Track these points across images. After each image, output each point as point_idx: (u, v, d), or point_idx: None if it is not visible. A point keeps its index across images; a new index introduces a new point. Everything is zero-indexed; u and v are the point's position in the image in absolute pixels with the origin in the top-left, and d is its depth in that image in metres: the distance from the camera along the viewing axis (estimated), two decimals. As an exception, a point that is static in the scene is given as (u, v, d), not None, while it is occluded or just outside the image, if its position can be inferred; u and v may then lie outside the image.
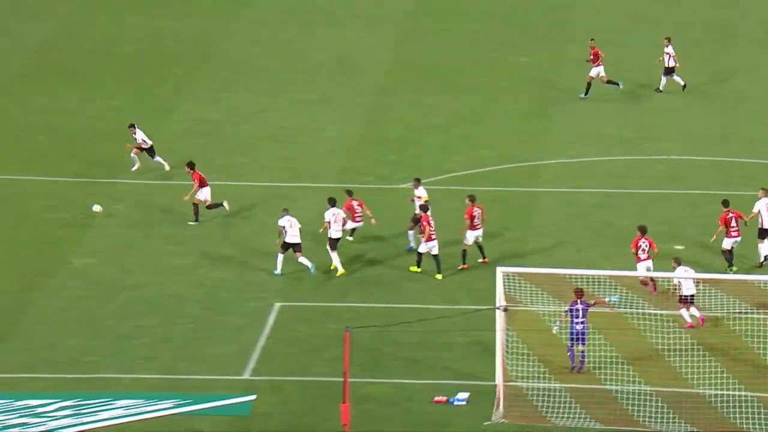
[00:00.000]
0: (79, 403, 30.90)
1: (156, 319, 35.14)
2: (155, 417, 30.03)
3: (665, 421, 29.64)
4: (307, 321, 34.92)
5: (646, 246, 37.03)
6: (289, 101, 53.50)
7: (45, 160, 46.95)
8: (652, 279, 36.19)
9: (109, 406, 30.73)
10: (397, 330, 33.58)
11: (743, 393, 30.60)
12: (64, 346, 33.67)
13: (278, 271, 38.68)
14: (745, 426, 29.73)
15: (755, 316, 33.82)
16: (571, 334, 32.20)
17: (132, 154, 45.08)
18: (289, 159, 47.47)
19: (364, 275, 37.83)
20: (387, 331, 33.59)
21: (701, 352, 32.37)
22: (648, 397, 30.41)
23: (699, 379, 31.22)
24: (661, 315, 34.16)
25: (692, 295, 35.30)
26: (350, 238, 40.37)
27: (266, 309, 35.41)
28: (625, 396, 30.69)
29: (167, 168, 43.88)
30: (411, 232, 39.51)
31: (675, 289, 35.02)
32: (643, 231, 37.43)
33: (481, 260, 38.76)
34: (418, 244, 38.33)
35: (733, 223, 39.58)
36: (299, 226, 38.62)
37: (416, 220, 39.48)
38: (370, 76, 56.45)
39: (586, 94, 53.50)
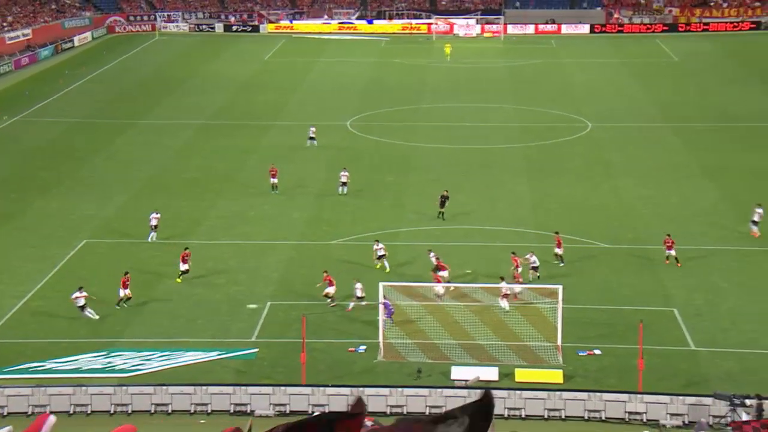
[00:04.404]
0: (169, 353, 33.69)
1: (206, 310, 37.18)
2: (208, 360, 33.17)
3: (462, 357, 33.12)
4: (284, 311, 36.84)
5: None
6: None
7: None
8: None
9: (184, 355, 33.51)
10: (328, 314, 36.43)
11: (499, 342, 34.14)
12: (160, 325, 36.00)
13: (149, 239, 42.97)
14: (497, 357, 32.99)
15: (500, 306, 36.06)
16: (388, 312, 34.74)
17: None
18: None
19: (313, 289, 38.09)
20: (323, 315, 36.24)
21: (479, 322, 35.50)
22: (453, 345, 33.90)
23: (478, 334, 34.80)
24: (458, 305, 36.66)
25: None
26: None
27: (263, 305, 37.46)
28: (442, 345, 33.96)
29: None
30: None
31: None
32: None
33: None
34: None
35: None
36: (158, 216, 43.10)
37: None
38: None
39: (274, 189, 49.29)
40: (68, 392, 30.61)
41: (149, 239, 44.18)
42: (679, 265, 40.40)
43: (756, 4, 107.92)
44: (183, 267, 39.67)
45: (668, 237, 41.08)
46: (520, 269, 38.22)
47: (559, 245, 40.54)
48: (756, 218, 43.28)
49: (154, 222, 44.10)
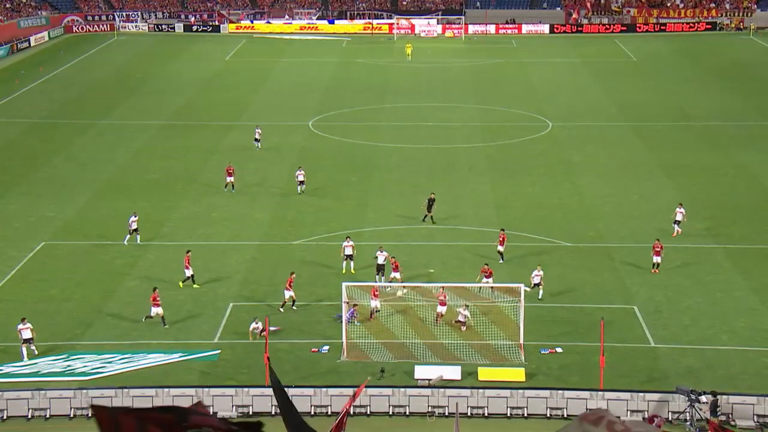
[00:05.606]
0: (131, 355, 33.56)
1: (171, 311, 36.42)
2: (170, 362, 32.90)
3: (426, 356, 33.29)
4: (246, 312, 36.42)
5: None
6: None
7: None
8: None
9: (146, 357, 33.38)
10: (292, 315, 36.35)
11: (459, 342, 34.34)
12: (121, 326, 35.74)
13: (125, 242, 42.51)
14: (460, 356, 33.09)
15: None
16: (349, 318, 34.67)
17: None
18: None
19: (276, 289, 38.26)
20: (287, 315, 36.30)
21: (442, 321, 35.61)
22: (419, 344, 34.06)
23: (439, 335, 34.97)
24: (422, 304, 36.90)
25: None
26: None
27: (225, 306, 37.29)
28: (408, 344, 34.10)
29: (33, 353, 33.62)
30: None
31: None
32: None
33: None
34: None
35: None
36: (136, 218, 42.26)
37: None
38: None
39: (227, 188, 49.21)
40: (26, 396, 30.04)
41: (125, 242, 43.34)
42: (654, 271, 39.80)
43: (711, 6, 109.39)
44: (188, 272, 38.58)
45: (657, 242, 39.84)
46: (482, 276, 37.50)
47: (502, 243, 40.21)
48: (679, 218, 43.22)
49: (134, 225, 43.16)
